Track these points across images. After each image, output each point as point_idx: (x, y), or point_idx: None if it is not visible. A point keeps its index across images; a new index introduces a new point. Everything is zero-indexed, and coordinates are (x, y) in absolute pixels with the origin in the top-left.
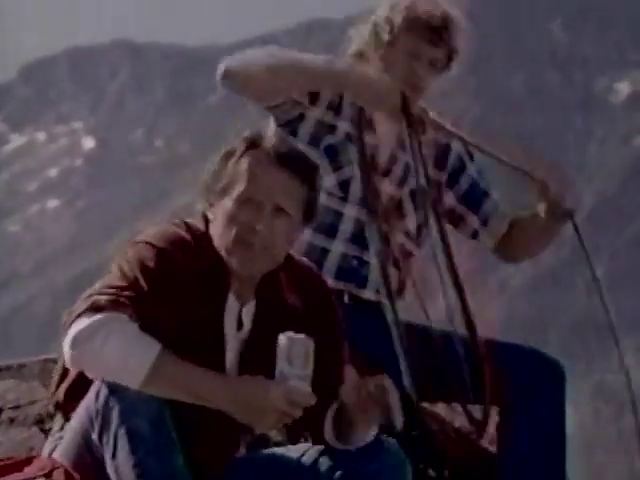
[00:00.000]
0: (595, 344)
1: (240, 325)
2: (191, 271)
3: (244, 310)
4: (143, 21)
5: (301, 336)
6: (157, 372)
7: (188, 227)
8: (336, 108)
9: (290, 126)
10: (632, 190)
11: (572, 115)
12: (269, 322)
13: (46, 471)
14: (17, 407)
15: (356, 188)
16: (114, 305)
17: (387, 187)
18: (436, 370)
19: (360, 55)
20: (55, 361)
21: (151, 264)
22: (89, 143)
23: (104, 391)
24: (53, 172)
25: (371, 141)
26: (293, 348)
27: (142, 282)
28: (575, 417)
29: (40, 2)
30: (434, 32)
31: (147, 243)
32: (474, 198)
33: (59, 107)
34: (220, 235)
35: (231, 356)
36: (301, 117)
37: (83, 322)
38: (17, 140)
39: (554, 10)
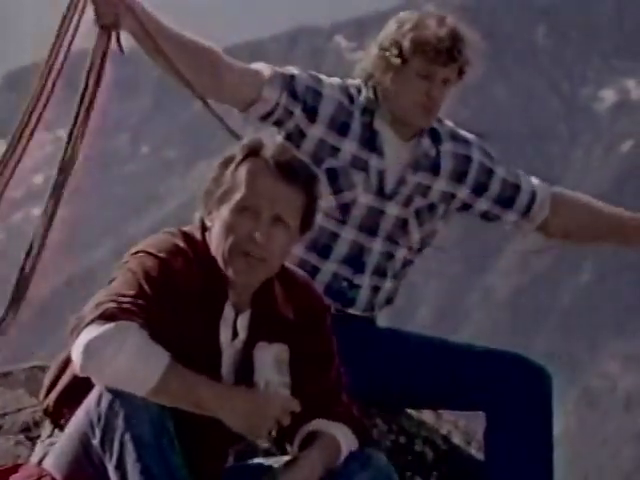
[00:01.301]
0: (580, 350)
1: (235, 334)
2: (190, 281)
3: (239, 319)
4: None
5: (277, 344)
6: (165, 382)
7: (185, 236)
8: (339, 129)
9: (293, 141)
10: (617, 197)
11: (557, 123)
12: (262, 332)
13: (33, 479)
14: (3, 415)
15: (357, 212)
16: (124, 313)
17: (393, 209)
18: (422, 377)
19: (369, 77)
20: (41, 368)
21: (155, 274)
22: None
23: (107, 396)
24: (38, 179)
25: (378, 166)
26: (277, 357)
27: (148, 291)
28: (560, 423)
29: (25, 8)
30: (445, 53)
31: (149, 254)
32: (507, 197)
33: (44, 114)
34: (217, 244)
35: (227, 365)
36: (301, 134)
37: (95, 330)
38: (1, 147)
39: (539, 17)
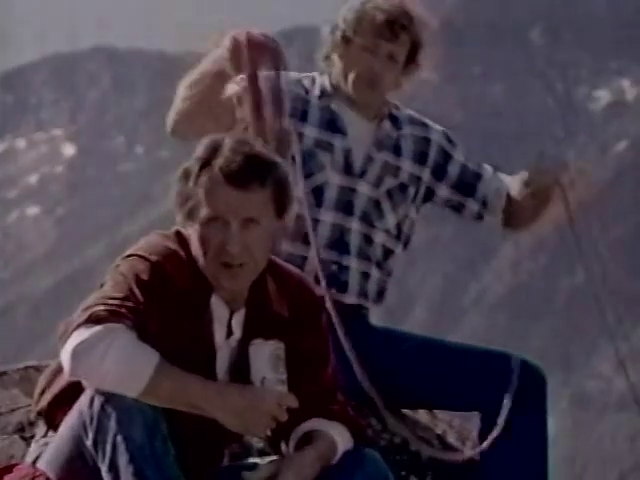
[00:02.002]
0: (574, 352)
1: (230, 333)
2: (182, 283)
3: (234, 318)
4: (124, 27)
5: (273, 341)
6: (156, 382)
7: (179, 237)
8: (301, 115)
9: None
10: (612, 197)
11: (552, 122)
12: (258, 330)
13: (27, 479)
14: None
15: (330, 193)
16: (113, 316)
17: (364, 188)
18: (416, 377)
19: (327, 58)
20: (36, 368)
21: (145, 277)
22: (69, 150)
23: (99, 398)
24: (33, 179)
25: (343, 145)
26: (272, 353)
27: (138, 294)
28: (554, 423)
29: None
30: (386, 27)
31: (140, 256)
32: (467, 183)
33: (39, 114)
34: (197, 253)
35: (222, 364)
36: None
37: (83, 333)
38: None
39: (534, 18)
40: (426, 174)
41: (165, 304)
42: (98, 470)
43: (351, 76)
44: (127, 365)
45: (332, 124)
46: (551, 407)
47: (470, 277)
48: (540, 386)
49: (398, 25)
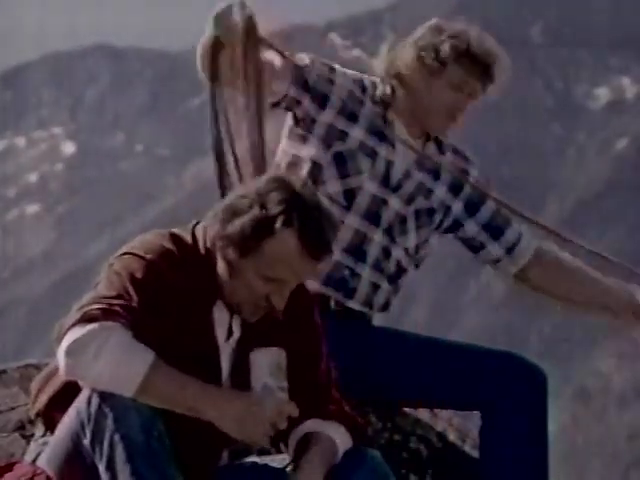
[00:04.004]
0: (575, 349)
1: (230, 334)
2: (178, 282)
3: (234, 319)
4: (123, 25)
5: (275, 348)
6: (151, 381)
7: (174, 238)
8: (349, 115)
9: (304, 126)
10: (611, 196)
11: (551, 121)
12: (255, 332)
13: (27, 477)
14: None
15: (362, 199)
16: (107, 315)
17: (395, 203)
18: (417, 376)
19: (398, 77)
20: (35, 366)
21: (140, 275)
22: (69, 148)
23: (97, 397)
24: (33, 177)
25: (388, 156)
26: (273, 361)
27: (132, 293)
28: (554, 421)
29: (19, 7)
30: (484, 67)
31: (135, 255)
32: (497, 226)
33: (39, 112)
34: (231, 287)
35: (225, 365)
36: (312, 120)
37: (77, 333)
38: None
39: (533, 15)
40: (457, 206)
41: (160, 303)
42: (96, 469)
43: (434, 107)
44: (121, 364)
45: (382, 133)
46: (551, 404)
47: (470, 275)
48: (540, 384)
49: (491, 68)
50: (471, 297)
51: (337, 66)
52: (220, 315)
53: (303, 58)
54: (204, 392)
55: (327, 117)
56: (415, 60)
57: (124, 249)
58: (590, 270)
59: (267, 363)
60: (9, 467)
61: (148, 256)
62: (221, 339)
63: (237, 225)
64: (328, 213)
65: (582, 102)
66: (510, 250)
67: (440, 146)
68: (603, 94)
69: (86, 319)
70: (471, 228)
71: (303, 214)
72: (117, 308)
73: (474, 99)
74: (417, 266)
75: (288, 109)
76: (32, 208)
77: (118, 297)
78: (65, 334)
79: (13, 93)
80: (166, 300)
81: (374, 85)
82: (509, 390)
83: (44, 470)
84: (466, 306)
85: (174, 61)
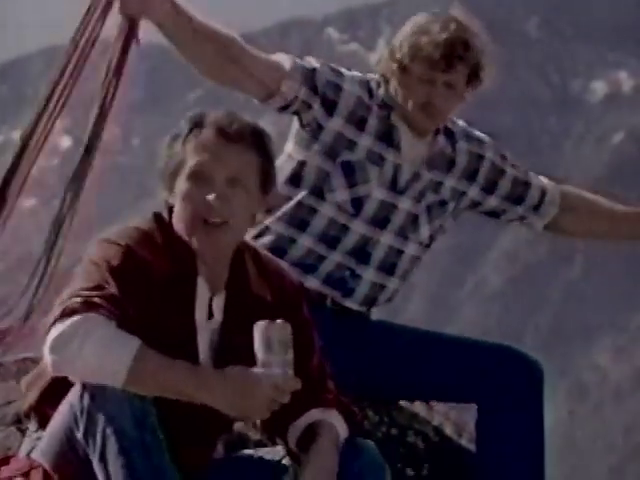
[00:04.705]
0: (571, 344)
1: (210, 315)
2: (158, 264)
3: (214, 301)
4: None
5: (279, 321)
6: (138, 368)
7: (157, 218)
8: (358, 123)
9: (311, 131)
10: (608, 189)
11: (548, 115)
12: (239, 313)
13: (24, 471)
14: None
15: (370, 206)
16: (87, 306)
17: (405, 204)
18: (413, 369)
19: (384, 78)
20: (32, 360)
21: (116, 262)
22: (65, 142)
23: (89, 390)
24: None
25: (395, 160)
26: (273, 334)
27: (111, 281)
28: (551, 415)
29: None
30: (442, 60)
31: (110, 242)
32: (517, 195)
33: (35, 106)
34: (179, 217)
35: (203, 346)
36: (319, 126)
37: (59, 328)
38: None
39: (530, 9)
40: (474, 190)
41: (143, 288)
42: (89, 462)
43: (410, 104)
44: (106, 354)
45: (388, 137)
46: (547, 398)
47: (467, 269)
48: (537, 378)
49: (454, 57)
50: (468, 291)
51: (345, 71)
52: (201, 294)
53: (312, 61)
54: (193, 374)
55: (335, 125)
56: (387, 61)
57: (101, 237)
58: (605, 200)
59: (265, 337)
60: (6, 461)
61: (123, 242)
62: (200, 319)
63: None
64: (244, 118)
65: (579, 96)
66: (536, 208)
67: (451, 136)
68: (600, 88)
69: (67, 314)
70: (491, 202)
71: (217, 114)
72: (97, 299)
73: (453, 88)
74: (428, 246)
75: (296, 113)
76: (29, 202)
77: (97, 288)
78: (48, 331)
79: (9, 87)
80: (145, 284)
81: (378, 85)
82: (505, 383)
83: (41, 463)
84: (463, 300)
85: (172, 55)
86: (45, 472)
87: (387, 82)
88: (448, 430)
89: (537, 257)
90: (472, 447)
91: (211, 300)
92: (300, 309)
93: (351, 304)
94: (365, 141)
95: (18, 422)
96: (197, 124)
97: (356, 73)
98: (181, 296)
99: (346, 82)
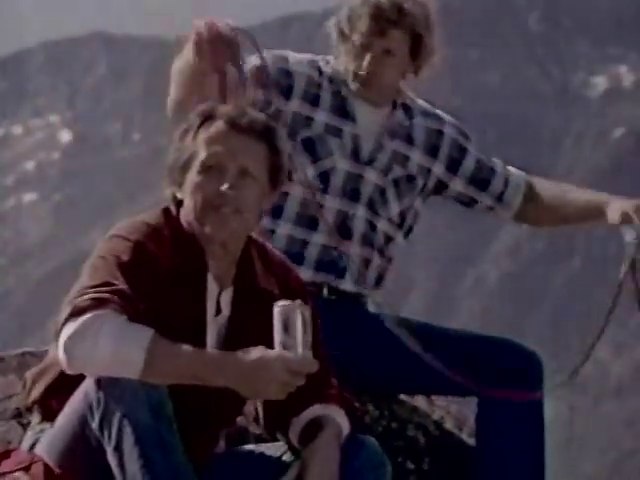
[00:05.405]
0: (571, 337)
1: (218, 310)
2: (166, 259)
3: (222, 295)
4: (120, 13)
5: (298, 302)
6: (154, 356)
7: (166, 213)
8: (313, 99)
9: (273, 119)
10: (608, 184)
11: (549, 109)
12: (247, 308)
13: (25, 465)
14: None
15: (337, 178)
16: (97, 303)
17: (372, 175)
18: (414, 363)
19: (335, 55)
20: (33, 354)
21: (126, 258)
22: (66, 136)
23: (105, 380)
24: (29, 166)
25: (352, 131)
26: (290, 316)
27: (120, 277)
28: (551, 408)
29: None
30: (374, 24)
31: (119, 237)
32: (482, 178)
33: (35, 100)
34: (190, 207)
35: (211, 342)
36: (279, 112)
37: (70, 327)
38: None
39: (531, 3)
40: (438, 168)
41: (152, 284)
42: (100, 452)
43: (350, 73)
44: (120, 347)
45: (342, 110)
46: (547, 393)
47: (467, 263)
48: (537, 372)
49: (386, 21)
50: (468, 286)
51: (289, 53)
52: (211, 289)
53: (253, 60)
54: (208, 357)
55: (292, 106)
56: (334, 32)
57: (110, 232)
58: (575, 188)
59: (282, 319)
60: (6, 454)
61: (133, 236)
62: (210, 315)
63: None
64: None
65: (579, 90)
66: (499, 198)
67: (408, 111)
68: (600, 82)
69: (77, 312)
70: (457, 185)
71: (228, 108)
72: (107, 295)
73: (394, 55)
74: (407, 235)
75: (261, 110)
76: (29, 196)
77: (106, 284)
78: (60, 331)
79: (10, 81)
80: (155, 280)
81: (327, 62)
82: (505, 377)
83: (42, 458)
84: (463, 295)
85: (172, 49)
86: (46, 466)
87: (337, 58)
88: (449, 424)
89: (537, 251)
90: (472, 441)
91: (219, 295)
92: (305, 302)
93: (346, 285)
94: (321, 116)
95: (19, 416)
96: (208, 117)
97: (303, 55)
98: (191, 292)
99: (293, 65)
